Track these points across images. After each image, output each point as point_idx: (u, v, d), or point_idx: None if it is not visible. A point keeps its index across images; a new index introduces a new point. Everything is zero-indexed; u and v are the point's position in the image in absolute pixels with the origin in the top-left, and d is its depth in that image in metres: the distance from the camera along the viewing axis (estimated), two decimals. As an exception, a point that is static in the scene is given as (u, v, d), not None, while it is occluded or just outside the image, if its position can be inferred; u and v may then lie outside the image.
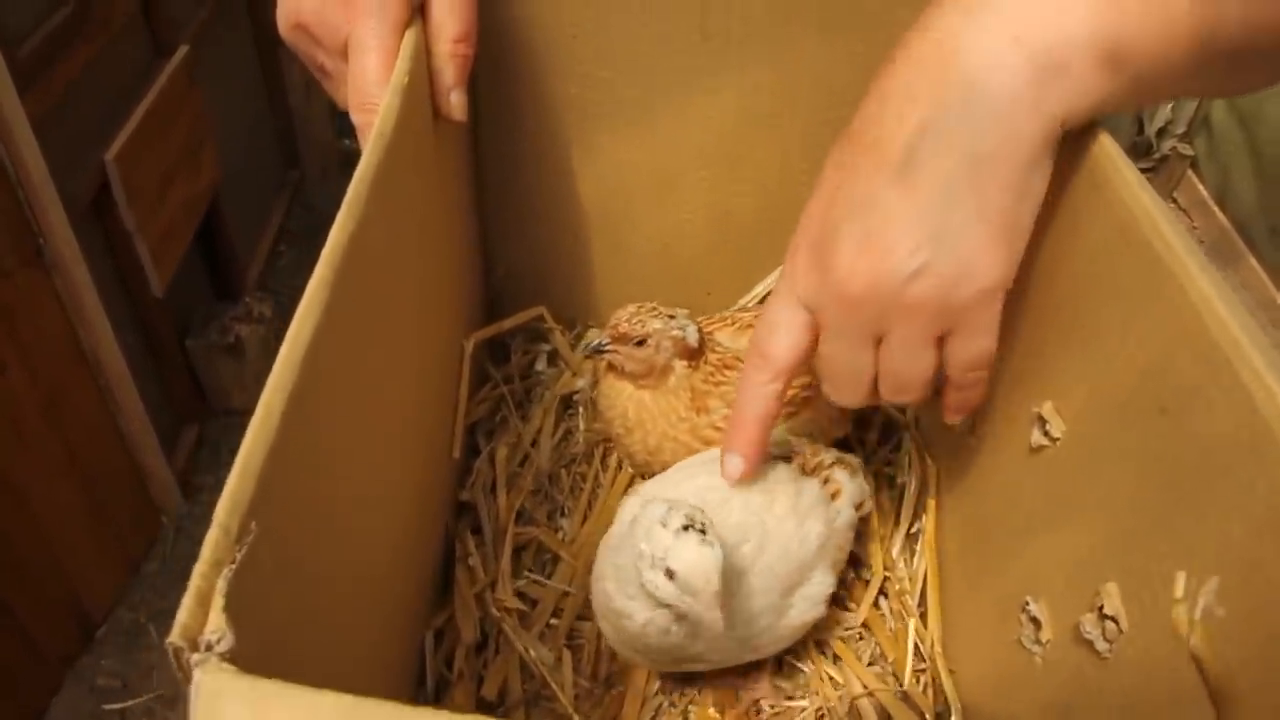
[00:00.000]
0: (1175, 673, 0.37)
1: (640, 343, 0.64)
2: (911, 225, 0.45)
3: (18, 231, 1.26)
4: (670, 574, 0.48)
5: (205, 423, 1.88)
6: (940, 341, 0.49)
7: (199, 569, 0.28)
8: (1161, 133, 2.67)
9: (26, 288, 1.29)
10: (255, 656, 0.27)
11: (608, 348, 0.65)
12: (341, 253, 0.39)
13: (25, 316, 1.29)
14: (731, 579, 0.52)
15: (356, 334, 0.43)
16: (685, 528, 0.49)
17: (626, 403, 0.67)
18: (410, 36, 0.54)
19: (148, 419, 1.58)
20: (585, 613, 0.67)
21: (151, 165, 1.53)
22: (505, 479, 0.73)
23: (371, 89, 0.53)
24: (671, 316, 0.65)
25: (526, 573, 0.69)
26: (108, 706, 1.50)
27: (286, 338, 0.35)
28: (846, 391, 0.52)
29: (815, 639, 0.66)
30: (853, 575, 0.70)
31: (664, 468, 0.66)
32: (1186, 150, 2.66)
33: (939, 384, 0.52)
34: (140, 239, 1.50)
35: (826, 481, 0.61)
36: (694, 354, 0.66)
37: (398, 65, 0.52)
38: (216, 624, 0.27)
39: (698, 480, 0.59)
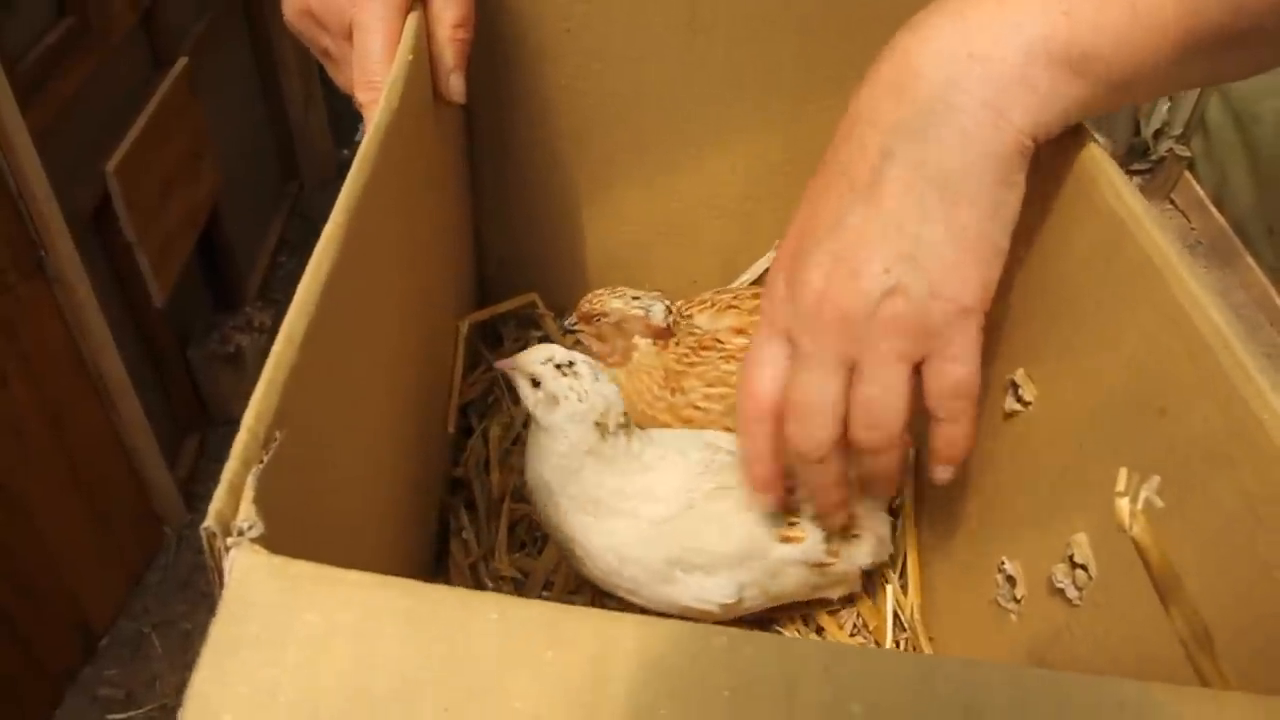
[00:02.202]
0: (1141, 609, 0.38)
1: (598, 320, 0.68)
2: (882, 244, 0.45)
3: (19, 244, 1.27)
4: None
5: (207, 433, 1.89)
6: (916, 371, 0.47)
7: (230, 465, 0.30)
8: (1158, 134, 2.68)
9: (28, 300, 1.30)
10: (280, 548, 0.29)
11: (575, 327, 0.69)
12: (355, 201, 0.41)
13: (27, 328, 1.31)
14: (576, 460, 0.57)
15: (363, 285, 0.44)
16: (570, 362, 0.57)
17: None
18: (413, 19, 0.56)
19: (149, 429, 1.58)
20: (576, 586, 0.68)
21: (152, 177, 1.54)
22: (498, 456, 0.75)
23: (375, 68, 0.55)
24: (636, 297, 0.67)
25: (519, 549, 0.70)
26: (111, 717, 1.50)
27: (306, 272, 0.37)
28: (813, 428, 0.49)
29: (801, 614, 0.67)
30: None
31: None
32: (1183, 151, 2.67)
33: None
34: (141, 250, 1.51)
35: (790, 525, 0.60)
36: (662, 333, 0.67)
37: (402, 44, 0.54)
38: (247, 513, 0.28)
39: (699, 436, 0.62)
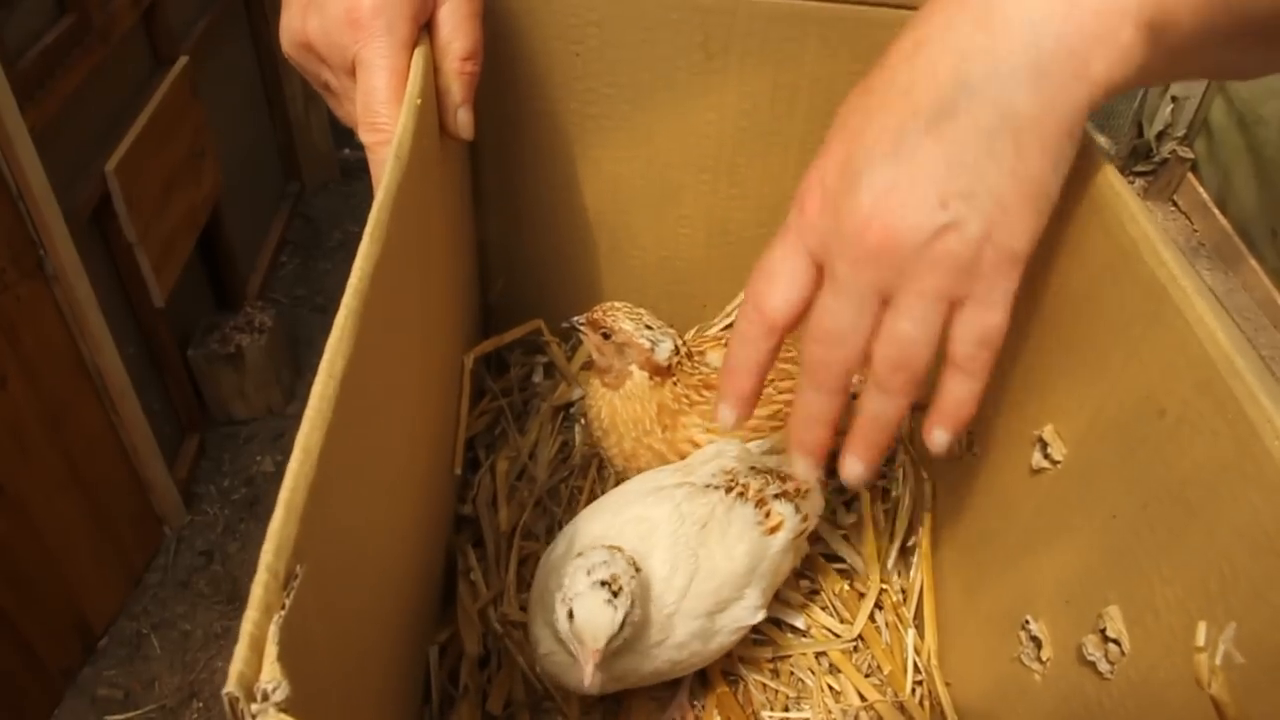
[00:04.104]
0: (1178, 694, 0.37)
1: (606, 335, 0.67)
2: (944, 178, 0.42)
3: (19, 244, 1.26)
4: (570, 615, 0.51)
5: (206, 433, 1.88)
6: (950, 311, 0.45)
7: (250, 615, 0.27)
8: (1161, 136, 2.67)
9: (28, 300, 1.29)
10: (302, 699, 0.27)
11: (580, 325, 0.68)
12: (369, 281, 0.39)
13: (27, 328, 1.29)
14: (640, 627, 0.54)
15: (379, 362, 0.43)
16: (603, 583, 0.51)
17: (601, 404, 0.69)
18: (419, 56, 0.54)
19: (149, 430, 1.58)
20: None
21: (152, 176, 1.53)
22: (506, 492, 0.73)
23: (381, 108, 0.53)
24: (650, 327, 0.66)
25: (527, 588, 0.69)
26: (110, 718, 1.50)
27: (320, 371, 0.34)
28: (838, 356, 0.46)
29: (815, 651, 0.66)
30: (846, 588, 0.71)
31: (640, 473, 0.67)
32: (1186, 153, 2.66)
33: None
34: (141, 250, 1.50)
35: (768, 515, 0.61)
36: (660, 371, 0.66)
37: (410, 85, 0.52)
38: (272, 673, 0.26)
39: (632, 510, 0.60)
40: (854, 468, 0.49)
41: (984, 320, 0.45)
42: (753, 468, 0.64)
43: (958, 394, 0.47)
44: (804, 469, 0.51)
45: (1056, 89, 0.41)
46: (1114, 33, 0.41)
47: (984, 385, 0.46)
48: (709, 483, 0.61)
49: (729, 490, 0.61)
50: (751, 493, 0.62)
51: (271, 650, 0.27)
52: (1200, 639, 0.30)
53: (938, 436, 0.48)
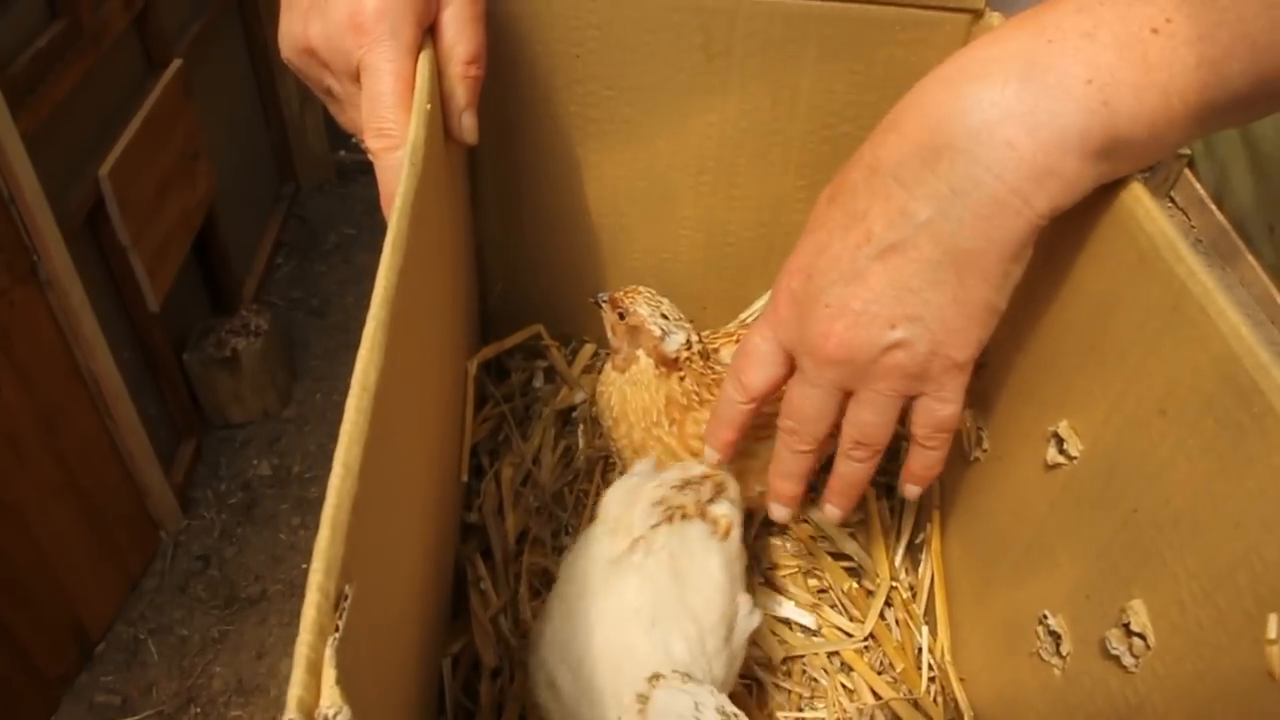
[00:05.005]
0: (1207, 686, 0.37)
1: (622, 315, 0.67)
2: (891, 303, 0.48)
3: (12, 249, 1.25)
4: None
5: (203, 437, 1.88)
6: (906, 400, 0.52)
7: (304, 638, 0.27)
8: (1155, 132, 2.67)
9: (21, 305, 1.28)
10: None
11: (603, 302, 0.69)
12: (395, 291, 0.39)
13: (20, 334, 1.29)
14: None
15: (404, 372, 0.42)
16: None
17: (612, 390, 0.69)
18: (424, 60, 0.53)
19: (145, 434, 1.57)
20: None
21: (146, 180, 1.52)
22: (512, 499, 0.73)
23: (387, 114, 0.52)
24: (666, 317, 0.66)
25: (536, 595, 0.68)
26: (107, 725, 1.49)
27: (354, 384, 0.34)
28: (809, 430, 0.55)
29: (827, 650, 0.66)
30: (855, 586, 0.70)
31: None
32: (1183, 149, 2.66)
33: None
34: (135, 254, 1.49)
35: (715, 522, 0.60)
36: (667, 362, 0.66)
37: (418, 92, 0.51)
38: (332, 698, 0.26)
39: (606, 605, 0.55)
40: (832, 513, 0.59)
41: (938, 412, 0.52)
42: (674, 486, 0.61)
43: (924, 460, 0.55)
44: (780, 514, 0.61)
45: (997, 227, 0.45)
46: (1057, 168, 0.43)
47: (945, 454, 0.54)
48: (652, 524, 0.58)
49: (670, 519, 0.59)
50: (692, 509, 0.59)
51: (330, 674, 0.26)
52: (1272, 632, 0.30)
53: (909, 490, 0.58)
